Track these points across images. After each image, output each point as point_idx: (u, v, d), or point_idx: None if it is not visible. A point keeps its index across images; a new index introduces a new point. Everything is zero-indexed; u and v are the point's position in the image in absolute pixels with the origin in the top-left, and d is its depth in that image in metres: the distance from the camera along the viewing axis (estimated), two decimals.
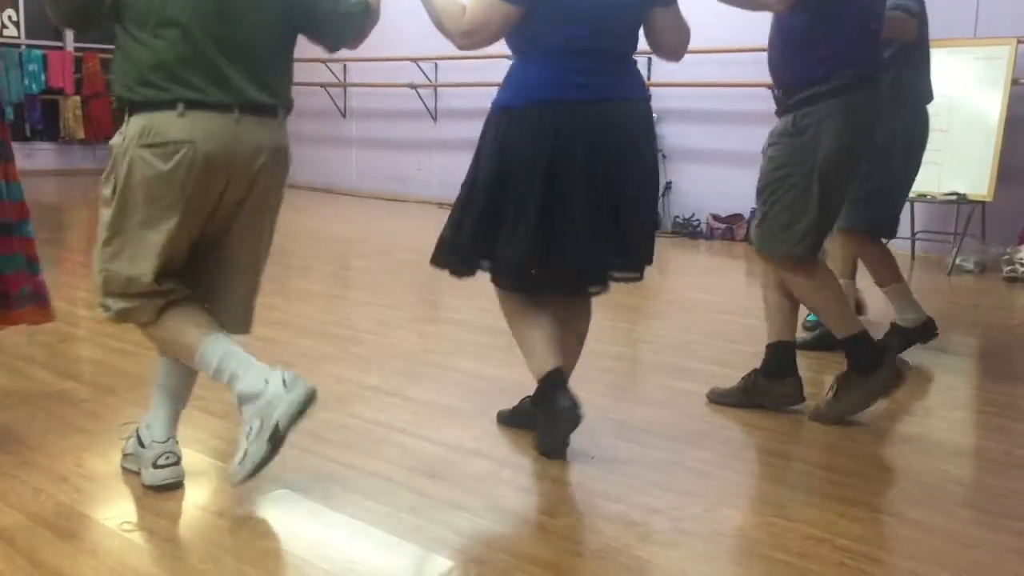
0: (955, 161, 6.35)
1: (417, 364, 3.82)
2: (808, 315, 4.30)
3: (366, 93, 11.06)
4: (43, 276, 2.94)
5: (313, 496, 2.55)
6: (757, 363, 3.34)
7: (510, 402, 3.21)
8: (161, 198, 2.35)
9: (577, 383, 3.43)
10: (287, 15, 2.44)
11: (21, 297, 2.85)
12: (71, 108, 12.39)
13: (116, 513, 2.42)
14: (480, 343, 4.03)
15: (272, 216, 2.58)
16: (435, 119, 10.27)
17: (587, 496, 2.57)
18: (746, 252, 7.16)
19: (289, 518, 2.44)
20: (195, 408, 3.07)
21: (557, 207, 2.71)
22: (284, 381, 2.36)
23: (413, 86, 10.04)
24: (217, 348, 2.42)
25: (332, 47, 2.63)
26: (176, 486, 2.53)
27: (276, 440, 2.35)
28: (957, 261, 6.24)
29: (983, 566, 2.21)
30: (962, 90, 6.40)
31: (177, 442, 2.58)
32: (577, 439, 3.02)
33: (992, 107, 6.25)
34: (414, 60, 9.89)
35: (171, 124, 2.31)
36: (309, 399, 2.37)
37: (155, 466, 2.51)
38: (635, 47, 2.82)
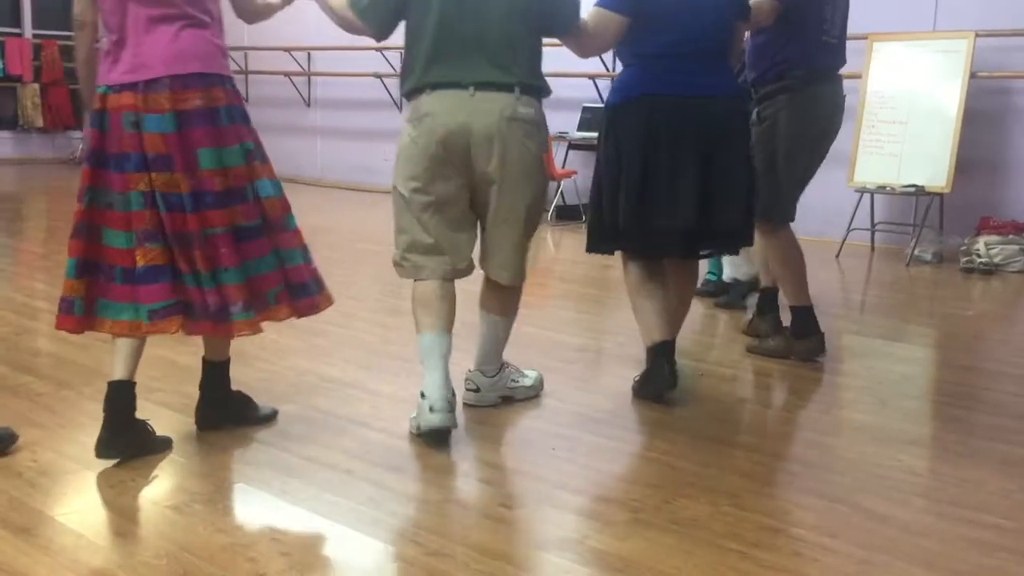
0: (914, 153, 6.42)
1: (378, 356, 3.81)
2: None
3: (331, 82, 11.00)
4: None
5: (271, 489, 2.54)
6: (724, 354, 3.37)
7: (471, 395, 3.20)
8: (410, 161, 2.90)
9: (541, 373, 3.43)
10: (521, 13, 2.88)
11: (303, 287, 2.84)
12: (29, 96, 12.20)
13: (70, 509, 2.40)
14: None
15: (529, 177, 2.93)
16: (400, 109, 10.23)
17: (546, 488, 2.58)
18: None
19: (247, 511, 2.43)
20: (152, 402, 3.06)
21: (665, 180, 3.18)
22: (431, 408, 2.80)
23: (378, 75, 9.98)
24: (423, 342, 2.93)
25: (564, 32, 3.09)
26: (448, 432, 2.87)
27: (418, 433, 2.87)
28: (915, 252, 6.32)
29: (935, 554, 2.25)
30: (921, 83, 6.47)
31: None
32: (537, 431, 3.03)
33: (951, 100, 6.33)
34: (378, 49, 9.83)
35: (422, 102, 2.88)
36: (434, 436, 2.83)
37: (431, 410, 2.83)
38: (725, 51, 3.29)
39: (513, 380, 3.27)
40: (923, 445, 3.07)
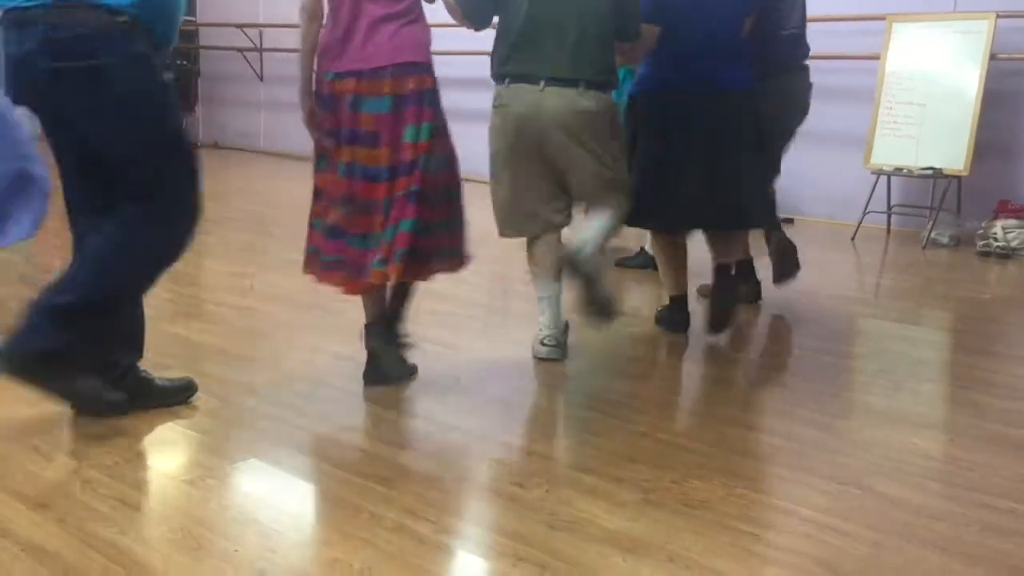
0: (932, 136, 6.37)
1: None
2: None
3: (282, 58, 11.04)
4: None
5: (284, 465, 2.55)
6: (734, 337, 3.36)
7: (485, 372, 3.21)
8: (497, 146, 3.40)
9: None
10: (597, 19, 3.29)
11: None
12: None
13: (84, 481, 2.41)
14: (455, 314, 4.03)
15: (595, 155, 3.33)
16: None
17: (558, 468, 2.58)
18: None
19: (260, 487, 2.44)
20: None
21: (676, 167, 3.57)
22: (542, 341, 3.44)
23: None
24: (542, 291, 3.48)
25: (628, 39, 3.45)
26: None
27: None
28: (932, 235, 6.28)
29: (948, 538, 2.24)
30: (940, 64, 6.41)
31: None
32: (550, 411, 3.04)
33: (970, 82, 6.26)
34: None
35: (501, 92, 3.34)
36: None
37: (541, 344, 3.44)
38: (737, 46, 3.65)
39: None
40: (937, 429, 3.06)
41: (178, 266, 2.82)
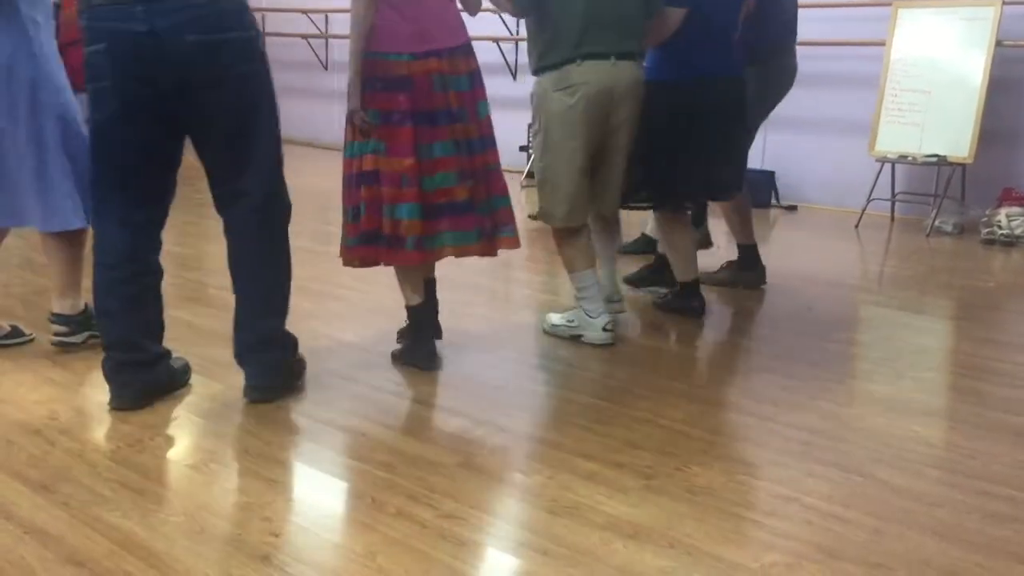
0: (936, 123, 6.34)
1: (394, 322, 3.81)
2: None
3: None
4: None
5: (287, 451, 2.56)
6: (737, 322, 3.37)
7: (489, 359, 3.22)
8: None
9: (556, 342, 3.47)
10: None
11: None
12: None
13: (89, 465, 2.42)
14: (460, 300, 4.03)
15: (638, 120, 3.56)
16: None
17: (560, 454, 2.59)
18: None
19: (263, 472, 2.45)
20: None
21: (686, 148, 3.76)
22: (604, 327, 3.56)
23: None
24: (584, 280, 3.60)
25: (653, 14, 3.57)
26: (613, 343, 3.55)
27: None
28: (936, 223, 6.26)
29: (947, 525, 2.25)
30: (945, 51, 6.38)
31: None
32: (552, 397, 3.05)
33: (975, 69, 6.23)
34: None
35: (573, 72, 3.41)
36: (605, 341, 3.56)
37: (604, 330, 3.56)
38: (734, 33, 3.81)
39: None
40: (938, 416, 3.06)
41: (181, 251, 2.84)
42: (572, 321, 3.62)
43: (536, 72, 3.52)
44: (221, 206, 2.82)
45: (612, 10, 3.42)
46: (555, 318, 3.68)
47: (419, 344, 3.29)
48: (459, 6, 3.19)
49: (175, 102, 2.61)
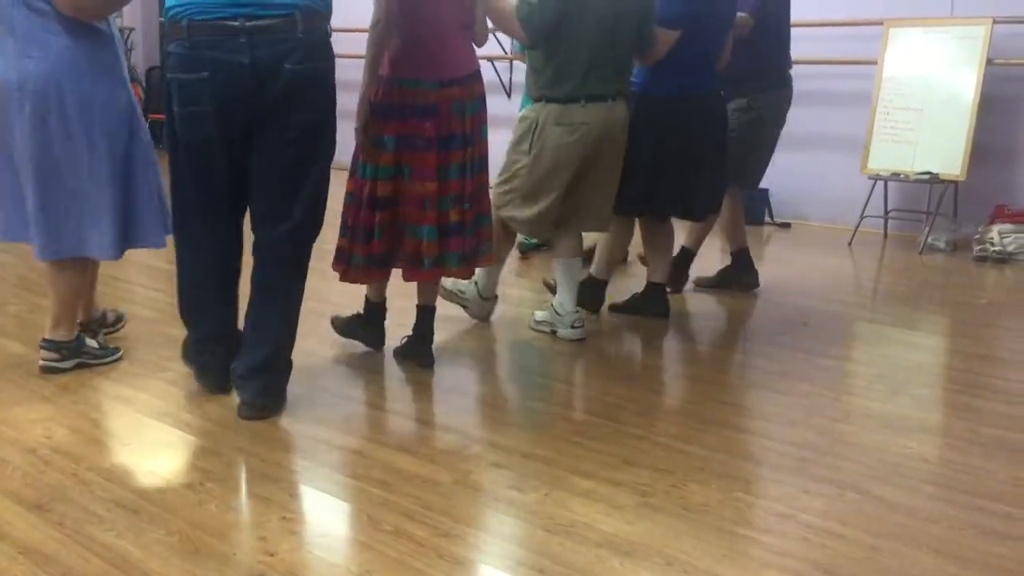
0: (929, 140, 6.37)
1: (390, 338, 3.82)
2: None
3: None
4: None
5: (282, 469, 2.56)
6: (733, 339, 3.37)
7: (482, 376, 3.21)
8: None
9: (551, 358, 3.46)
10: (634, 39, 3.68)
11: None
12: None
13: (83, 484, 2.41)
14: (452, 318, 4.03)
15: (620, 156, 3.78)
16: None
17: (556, 471, 2.59)
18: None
19: (258, 490, 2.44)
20: (163, 381, 3.09)
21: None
22: (572, 324, 3.79)
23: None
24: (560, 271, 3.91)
25: (650, 48, 3.77)
26: (584, 341, 3.75)
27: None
28: (929, 240, 6.28)
29: (944, 541, 2.25)
30: (937, 70, 6.42)
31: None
32: (547, 414, 3.04)
33: (967, 87, 6.27)
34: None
35: (576, 111, 3.61)
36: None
37: (572, 327, 3.77)
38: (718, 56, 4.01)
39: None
40: (934, 433, 3.06)
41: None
42: (547, 316, 3.88)
43: (537, 99, 3.68)
44: (260, 224, 2.92)
45: (611, 52, 3.60)
46: (538, 315, 3.95)
47: (374, 332, 3.54)
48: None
49: (261, 122, 2.78)
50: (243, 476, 2.52)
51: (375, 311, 3.54)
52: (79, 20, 3.00)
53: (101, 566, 2.02)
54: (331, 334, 3.79)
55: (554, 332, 3.82)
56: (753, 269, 4.73)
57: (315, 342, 3.67)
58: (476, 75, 3.29)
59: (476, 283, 3.93)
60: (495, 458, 2.69)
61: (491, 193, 3.55)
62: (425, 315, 3.45)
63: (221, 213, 2.92)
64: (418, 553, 2.11)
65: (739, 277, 4.71)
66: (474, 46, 3.32)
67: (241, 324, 3.03)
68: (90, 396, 3.03)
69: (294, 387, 3.12)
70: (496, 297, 4.06)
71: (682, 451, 2.75)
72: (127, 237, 3.19)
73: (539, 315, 3.94)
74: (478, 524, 2.28)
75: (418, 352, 3.42)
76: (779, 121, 4.60)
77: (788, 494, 2.47)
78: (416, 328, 3.45)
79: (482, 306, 4.02)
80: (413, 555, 2.10)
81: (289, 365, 3.02)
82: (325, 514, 2.36)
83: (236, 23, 2.68)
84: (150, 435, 2.75)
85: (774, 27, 4.42)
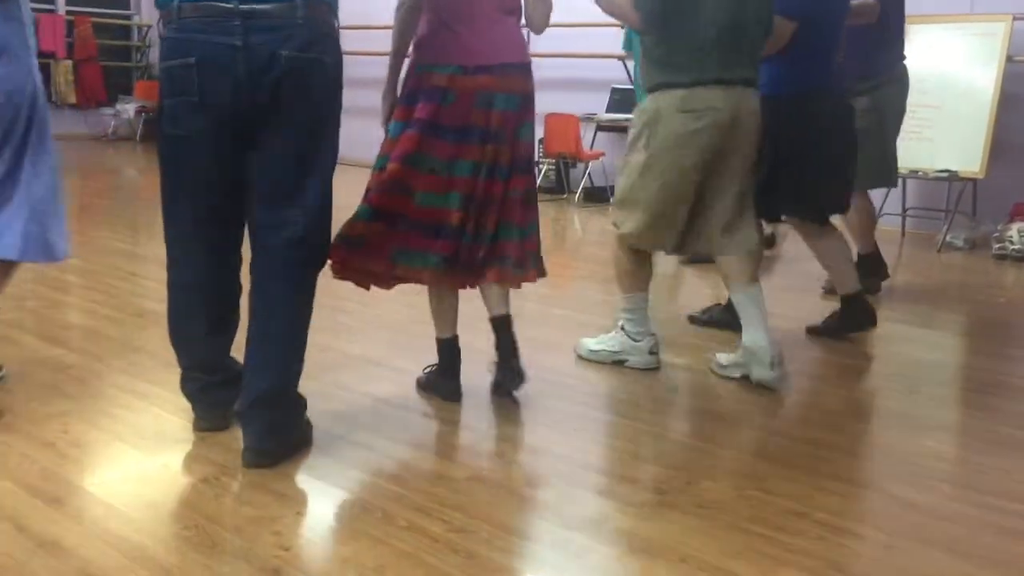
0: (947, 138, 6.34)
1: (403, 335, 3.83)
2: None
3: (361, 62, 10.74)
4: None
5: (297, 464, 2.56)
6: (728, 332, 3.36)
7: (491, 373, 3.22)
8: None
9: (567, 356, 3.45)
10: (762, 21, 3.33)
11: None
12: (62, 72, 12.30)
13: (101, 479, 2.43)
14: (465, 314, 4.03)
15: (751, 158, 3.37)
16: None
17: (570, 468, 2.59)
18: None
19: (273, 486, 2.45)
20: (167, 389, 3.09)
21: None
22: (650, 350, 3.50)
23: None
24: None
25: (769, 34, 3.42)
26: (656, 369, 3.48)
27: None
28: (947, 238, 6.25)
29: (960, 541, 2.23)
30: (956, 67, 6.38)
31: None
32: (562, 411, 3.04)
33: (986, 84, 6.24)
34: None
35: (701, 96, 3.20)
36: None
37: (771, 367, 3.27)
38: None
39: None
40: (951, 432, 3.05)
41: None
42: (614, 345, 3.53)
43: (652, 89, 3.30)
44: (257, 235, 2.63)
45: (742, 34, 3.25)
46: (592, 343, 3.58)
47: (447, 379, 3.16)
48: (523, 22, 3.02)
49: (256, 118, 2.52)
50: (258, 471, 2.52)
51: (445, 350, 3.19)
52: None
53: (119, 560, 2.03)
54: (345, 330, 3.81)
55: (746, 377, 3.37)
56: (883, 266, 4.86)
57: (329, 336, 3.68)
58: (518, 67, 2.93)
59: (628, 324, 3.51)
60: (508, 454, 2.70)
61: (610, 210, 3.30)
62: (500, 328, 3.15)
63: (213, 226, 2.63)
64: (432, 548, 2.12)
65: (870, 282, 4.60)
66: (523, 38, 2.98)
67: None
68: (107, 391, 3.05)
69: (309, 383, 3.13)
70: (653, 335, 3.54)
71: (697, 448, 2.75)
72: None
73: (723, 358, 3.49)
74: (492, 520, 2.28)
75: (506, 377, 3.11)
76: (902, 113, 4.76)
77: (803, 492, 2.47)
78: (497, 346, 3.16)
79: (641, 352, 3.52)
80: (427, 550, 2.10)
81: (300, 400, 2.71)
82: (339, 509, 2.36)
83: (230, 5, 2.44)
84: (167, 430, 2.76)
85: (895, 21, 4.60)
